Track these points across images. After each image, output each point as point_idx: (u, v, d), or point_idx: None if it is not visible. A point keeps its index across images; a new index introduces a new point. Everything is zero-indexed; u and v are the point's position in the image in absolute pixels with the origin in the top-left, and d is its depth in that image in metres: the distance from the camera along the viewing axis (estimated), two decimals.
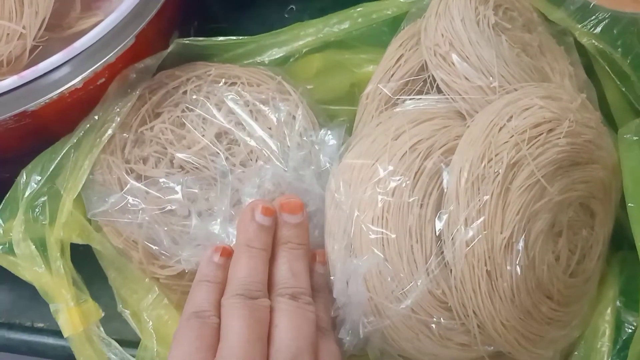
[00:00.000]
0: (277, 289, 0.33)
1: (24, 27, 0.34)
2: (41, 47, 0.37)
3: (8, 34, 0.33)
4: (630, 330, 0.37)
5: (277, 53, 0.45)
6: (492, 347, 0.35)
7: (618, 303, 0.38)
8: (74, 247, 0.39)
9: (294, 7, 0.56)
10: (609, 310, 0.38)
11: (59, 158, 0.37)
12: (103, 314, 0.39)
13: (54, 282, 0.36)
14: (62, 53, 0.35)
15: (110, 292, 0.39)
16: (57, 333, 0.42)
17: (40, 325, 0.44)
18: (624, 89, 0.40)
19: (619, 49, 0.39)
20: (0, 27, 0.33)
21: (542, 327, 0.35)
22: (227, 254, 0.34)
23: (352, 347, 0.36)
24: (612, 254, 0.41)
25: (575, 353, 0.37)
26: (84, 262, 0.39)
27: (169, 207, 0.36)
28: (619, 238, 0.41)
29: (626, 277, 0.39)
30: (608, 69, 0.40)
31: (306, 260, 0.34)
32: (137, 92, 0.38)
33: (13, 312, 0.44)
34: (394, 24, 0.45)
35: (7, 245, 0.37)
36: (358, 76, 0.46)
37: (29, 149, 0.39)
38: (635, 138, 0.39)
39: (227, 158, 0.37)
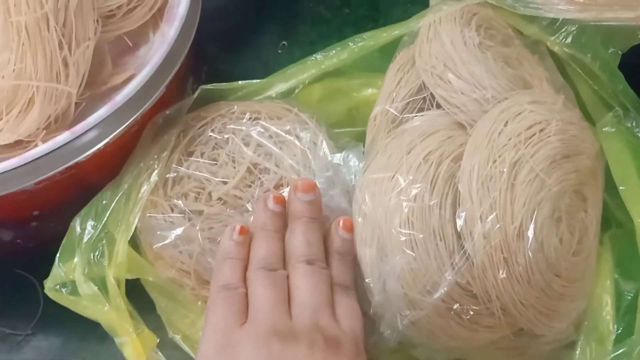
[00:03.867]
0: (294, 257, 0.37)
1: (71, 87, 0.37)
2: (84, 103, 0.40)
3: (56, 95, 0.37)
4: (629, 298, 0.42)
5: (283, 87, 0.49)
6: (514, 326, 0.39)
7: (615, 275, 0.43)
8: None
9: (285, 43, 0.61)
10: (608, 283, 0.43)
11: (113, 204, 0.40)
12: (158, 340, 0.41)
13: (118, 318, 0.39)
14: (106, 107, 0.38)
15: (154, 323, 0.42)
16: None
17: None
18: (596, 87, 0.45)
19: (588, 55, 0.44)
20: (50, 89, 0.36)
21: (555, 302, 0.39)
22: (245, 231, 0.38)
23: (392, 340, 0.40)
24: (602, 233, 0.46)
25: (585, 323, 0.42)
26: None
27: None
28: (606, 218, 0.46)
29: (619, 251, 0.44)
30: (580, 71, 0.46)
31: (319, 232, 0.38)
32: (172, 137, 0.42)
33: (64, 354, 0.46)
34: (383, 49, 0.49)
35: (69, 286, 0.40)
36: (355, 100, 0.50)
37: (71, 199, 0.43)
38: (612, 130, 0.44)
39: (260, 185, 0.41)
